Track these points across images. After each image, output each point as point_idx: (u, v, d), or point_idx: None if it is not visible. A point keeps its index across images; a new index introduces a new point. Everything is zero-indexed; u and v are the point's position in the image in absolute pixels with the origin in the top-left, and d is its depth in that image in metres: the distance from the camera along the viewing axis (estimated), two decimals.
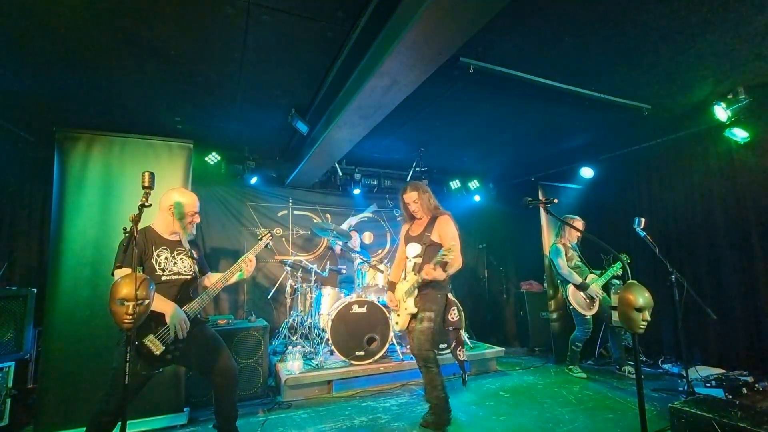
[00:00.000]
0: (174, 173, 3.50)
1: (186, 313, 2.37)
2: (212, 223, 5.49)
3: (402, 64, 2.58)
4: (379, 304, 4.25)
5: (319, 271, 4.93)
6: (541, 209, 2.84)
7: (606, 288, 4.52)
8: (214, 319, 4.01)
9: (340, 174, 5.89)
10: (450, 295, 3.13)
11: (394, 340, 4.59)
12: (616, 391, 3.90)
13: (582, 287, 4.42)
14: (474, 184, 6.58)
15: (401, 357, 4.32)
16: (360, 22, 2.56)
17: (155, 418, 3.14)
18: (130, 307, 1.74)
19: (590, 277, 4.51)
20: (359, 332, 4.11)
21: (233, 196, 5.68)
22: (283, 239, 5.94)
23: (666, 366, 4.55)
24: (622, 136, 4.76)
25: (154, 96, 3.57)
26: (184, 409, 3.27)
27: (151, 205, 1.98)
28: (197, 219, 2.61)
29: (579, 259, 4.65)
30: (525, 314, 5.83)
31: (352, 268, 5.11)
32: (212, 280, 2.63)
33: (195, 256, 2.59)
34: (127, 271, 2.21)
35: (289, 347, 4.31)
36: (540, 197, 5.30)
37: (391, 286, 3.27)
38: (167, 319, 2.27)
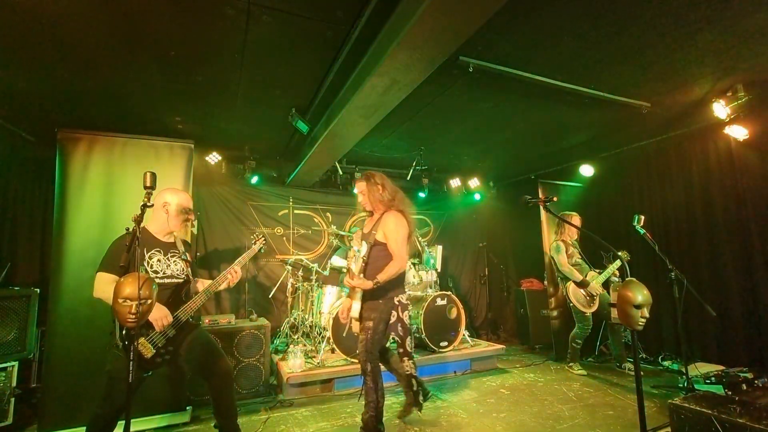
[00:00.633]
0: (175, 173, 3.52)
1: (178, 317, 2.37)
2: (213, 223, 5.51)
3: (401, 63, 2.58)
4: None
5: (320, 269, 4.95)
6: (541, 207, 2.85)
7: (606, 285, 4.53)
8: (215, 318, 4.03)
9: (341, 173, 5.90)
10: (399, 299, 2.83)
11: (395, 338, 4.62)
12: (616, 387, 3.92)
13: (582, 285, 4.44)
14: (474, 182, 6.58)
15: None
16: (359, 21, 2.57)
17: (158, 416, 3.16)
18: (134, 306, 1.76)
19: (590, 274, 4.53)
20: None
21: (234, 195, 5.69)
22: (284, 238, 5.96)
23: (666, 363, 4.57)
24: (622, 134, 4.77)
25: (154, 96, 3.58)
26: (187, 408, 3.29)
27: (153, 205, 2.00)
28: (191, 217, 2.61)
29: (579, 257, 4.66)
30: (525, 312, 5.85)
31: None
32: (198, 288, 2.60)
33: (188, 259, 2.59)
34: (107, 276, 2.23)
35: (291, 346, 4.33)
36: (540, 195, 5.32)
37: (352, 291, 2.90)
38: (150, 317, 2.20)
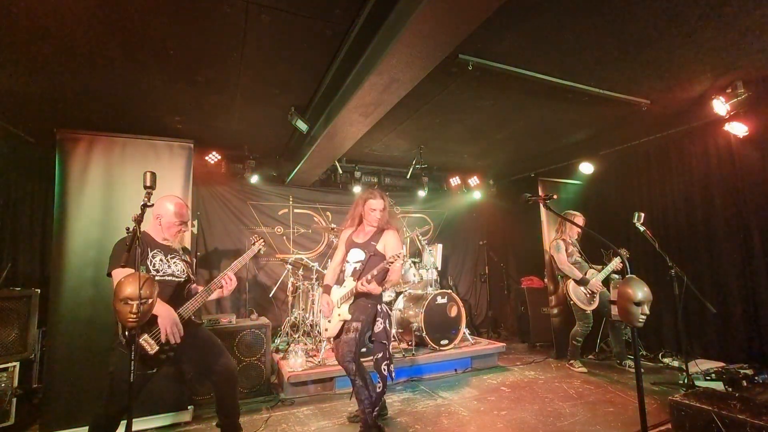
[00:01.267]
0: (175, 173, 3.52)
1: (180, 314, 2.37)
2: (213, 223, 5.51)
3: (401, 61, 2.58)
4: None
5: (320, 268, 4.95)
6: (541, 205, 2.85)
7: (606, 283, 4.54)
8: (215, 318, 4.03)
9: (341, 172, 5.90)
10: (381, 307, 3.00)
11: (396, 337, 4.63)
12: (617, 385, 3.93)
13: (582, 282, 4.44)
14: (474, 180, 6.59)
15: (403, 354, 4.35)
16: (358, 19, 2.57)
17: (160, 415, 3.17)
18: (134, 306, 1.76)
19: (590, 272, 4.53)
20: None
21: (234, 195, 5.70)
22: (284, 238, 5.96)
23: (666, 360, 4.58)
24: (622, 131, 4.76)
25: (154, 96, 3.58)
26: (189, 407, 3.29)
27: (153, 204, 1.99)
28: (184, 229, 2.60)
29: (579, 255, 4.66)
30: (526, 310, 5.85)
31: None
32: (198, 289, 2.62)
33: (188, 260, 2.61)
34: (127, 270, 2.24)
35: (292, 345, 4.33)
36: (540, 193, 5.32)
37: (326, 289, 3.06)
38: (159, 321, 2.24)
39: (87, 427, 2.24)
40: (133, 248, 1.90)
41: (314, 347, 4.41)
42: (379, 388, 2.88)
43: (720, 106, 3.72)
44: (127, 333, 2.06)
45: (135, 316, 1.77)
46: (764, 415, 2.28)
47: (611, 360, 4.78)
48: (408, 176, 6.02)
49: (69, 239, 3.17)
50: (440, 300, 4.64)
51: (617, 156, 5.30)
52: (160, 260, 2.44)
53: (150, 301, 1.84)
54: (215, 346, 2.58)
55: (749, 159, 4.08)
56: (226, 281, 2.56)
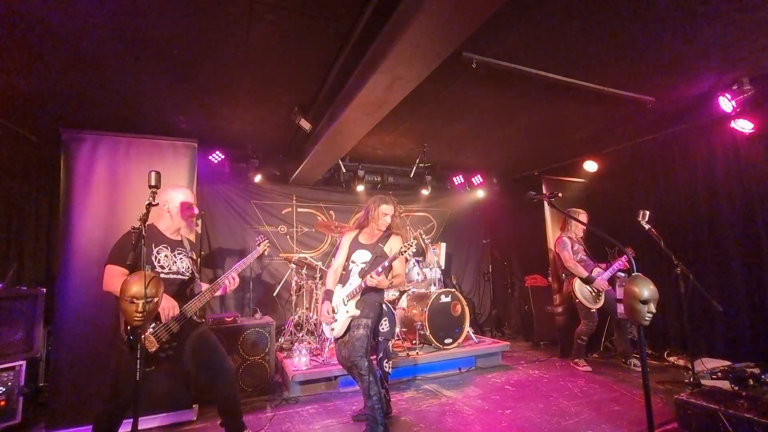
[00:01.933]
0: (179, 172, 3.53)
1: (183, 312, 2.39)
2: (217, 222, 5.53)
3: (404, 59, 2.58)
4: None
5: (324, 267, 4.95)
6: (545, 203, 2.84)
7: (611, 281, 4.52)
8: (220, 317, 4.04)
9: (344, 171, 5.90)
10: (385, 306, 3.07)
11: (400, 336, 4.62)
12: (622, 383, 3.91)
13: (588, 281, 4.43)
14: (477, 179, 6.57)
15: (407, 353, 4.35)
16: (362, 17, 2.56)
17: (164, 414, 3.18)
18: (140, 305, 1.77)
19: (596, 270, 4.51)
20: None
21: (237, 194, 5.71)
22: (288, 237, 5.97)
23: (672, 358, 4.55)
24: (626, 128, 4.74)
25: (158, 95, 3.59)
26: (193, 406, 3.30)
27: (158, 204, 2.00)
28: (194, 212, 2.63)
29: (584, 253, 4.65)
30: (530, 308, 5.84)
31: None
32: (202, 288, 2.64)
33: (194, 257, 2.62)
34: (117, 269, 2.27)
35: (296, 344, 4.33)
36: (544, 191, 5.30)
37: (327, 295, 3.02)
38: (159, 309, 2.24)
39: (92, 426, 2.25)
40: (139, 247, 1.90)
41: (318, 346, 4.41)
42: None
43: (726, 103, 3.69)
44: (129, 328, 2.09)
45: (141, 314, 1.77)
46: None
47: (616, 359, 4.76)
48: (411, 175, 6.02)
49: (74, 239, 3.19)
50: (444, 299, 4.63)
51: (622, 153, 5.27)
52: (166, 256, 2.45)
53: (156, 300, 1.85)
54: (216, 345, 2.58)
55: (755, 156, 4.05)
56: (230, 282, 2.58)
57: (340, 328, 2.94)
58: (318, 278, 4.85)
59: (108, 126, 3.70)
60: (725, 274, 4.29)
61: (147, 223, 1.93)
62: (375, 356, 2.96)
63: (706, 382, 3.49)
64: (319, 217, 6.13)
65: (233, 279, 2.59)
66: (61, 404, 3.01)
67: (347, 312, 2.89)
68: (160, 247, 2.45)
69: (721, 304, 3.67)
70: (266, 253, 2.93)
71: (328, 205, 6.28)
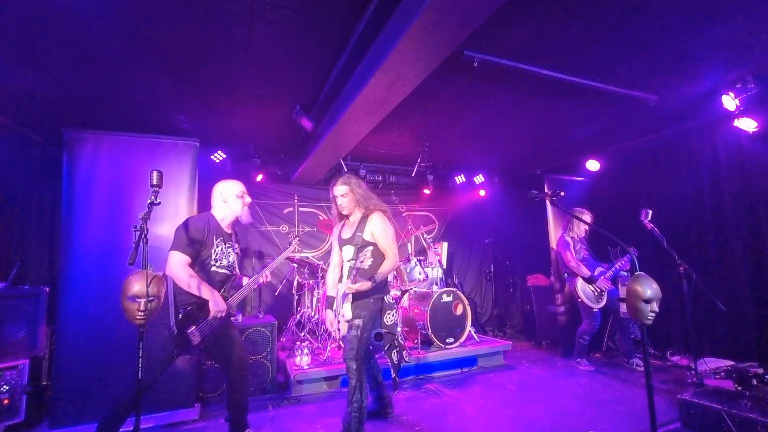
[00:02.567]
0: (181, 171, 3.54)
1: (229, 305, 2.52)
2: None
3: (406, 58, 2.57)
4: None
5: (325, 267, 4.95)
6: (548, 202, 2.83)
7: (614, 280, 4.50)
8: None
9: (345, 170, 5.89)
10: (387, 298, 2.92)
11: (401, 336, 4.61)
12: (625, 383, 3.90)
13: (591, 280, 4.41)
14: (479, 178, 6.55)
15: (408, 352, 4.34)
16: (364, 15, 2.56)
17: (167, 413, 3.19)
18: (142, 304, 1.77)
19: (598, 269, 4.50)
20: None
21: None
22: (290, 236, 5.96)
23: (675, 358, 4.54)
24: (629, 127, 4.72)
25: (159, 94, 3.59)
26: (195, 404, 3.31)
27: (160, 203, 2.00)
28: (248, 199, 2.75)
29: (587, 252, 4.63)
30: (532, 308, 5.82)
31: None
32: (242, 282, 2.78)
33: (238, 251, 2.76)
34: (180, 256, 2.36)
35: (297, 343, 4.33)
36: (546, 190, 5.28)
37: (329, 302, 2.95)
38: (210, 306, 2.37)
39: (98, 423, 2.25)
40: (142, 246, 1.90)
41: (320, 345, 4.42)
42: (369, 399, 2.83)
43: (729, 101, 3.67)
44: (180, 318, 2.30)
45: (142, 314, 1.78)
46: None
47: (619, 358, 4.75)
48: (413, 174, 6.00)
49: (76, 238, 3.20)
50: (446, 298, 4.63)
51: (624, 152, 5.24)
52: (222, 250, 2.55)
53: (157, 299, 1.85)
54: (237, 337, 2.71)
55: (759, 155, 4.02)
56: (264, 278, 2.74)
57: (344, 329, 2.88)
58: (320, 278, 4.85)
59: (110, 125, 3.70)
60: (729, 273, 4.26)
61: (184, 218, 2.03)
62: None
63: (710, 382, 3.48)
64: (320, 217, 6.12)
65: (267, 276, 2.75)
66: (64, 402, 3.02)
67: (343, 316, 2.82)
68: (219, 239, 2.55)
69: (725, 304, 3.65)
70: (296, 251, 2.99)
71: (330, 205, 6.26)
